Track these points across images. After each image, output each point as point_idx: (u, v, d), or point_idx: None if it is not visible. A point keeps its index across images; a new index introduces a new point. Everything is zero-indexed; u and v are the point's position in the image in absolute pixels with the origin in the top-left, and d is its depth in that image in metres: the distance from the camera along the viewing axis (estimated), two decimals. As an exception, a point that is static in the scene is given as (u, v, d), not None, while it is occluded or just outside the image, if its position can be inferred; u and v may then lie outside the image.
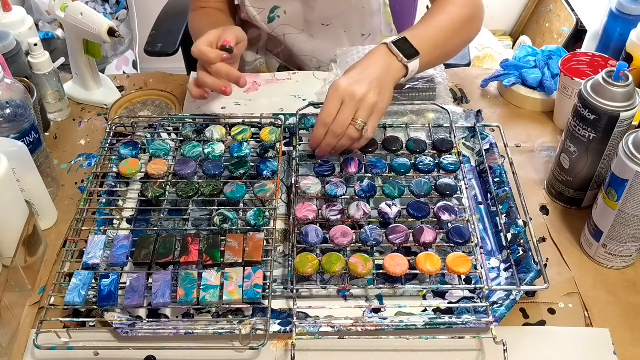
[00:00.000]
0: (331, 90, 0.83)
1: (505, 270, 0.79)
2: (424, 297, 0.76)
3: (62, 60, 1.06)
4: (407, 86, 1.02)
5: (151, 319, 0.73)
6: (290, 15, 1.08)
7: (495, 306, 0.73)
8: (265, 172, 0.85)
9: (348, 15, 1.10)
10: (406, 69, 0.87)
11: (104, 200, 0.85)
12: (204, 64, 0.92)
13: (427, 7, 1.38)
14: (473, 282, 0.76)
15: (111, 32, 0.96)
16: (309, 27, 1.10)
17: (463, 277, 0.76)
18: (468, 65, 1.24)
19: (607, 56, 0.99)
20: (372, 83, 0.83)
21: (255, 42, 1.17)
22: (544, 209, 0.88)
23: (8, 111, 0.80)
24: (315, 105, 0.98)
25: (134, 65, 2.22)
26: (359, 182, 0.84)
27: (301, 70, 1.14)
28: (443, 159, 0.88)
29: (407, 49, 0.87)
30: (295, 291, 0.73)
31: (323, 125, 0.82)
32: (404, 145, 0.90)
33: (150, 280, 0.73)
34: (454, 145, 0.90)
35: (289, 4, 1.08)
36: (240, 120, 0.95)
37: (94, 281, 0.73)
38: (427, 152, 0.89)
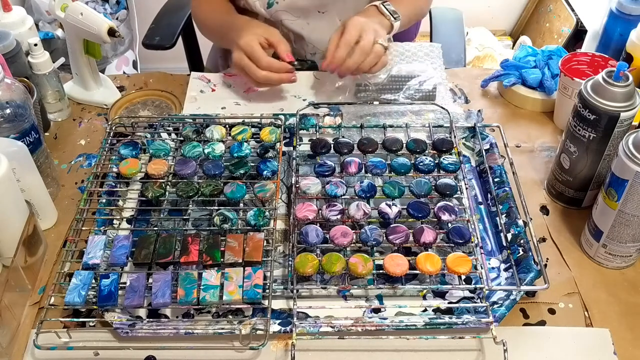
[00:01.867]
0: (350, 23, 0.96)
1: (505, 270, 0.79)
2: (424, 297, 0.76)
3: (62, 60, 1.06)
4: (407, 86, 1.02)
5: (151, 319, 0.73)
6: (288, 1, 1.10)
7: (495, 306, 0.73)
8: (265, 172, 0.85)
9: (343, 2, 1.12)
10: (392, 27, 1.03)
11: (104, 200, 0.85)
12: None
13: (430, 12, 1.38)
14: (473, 282, 0.76)
15: (111, 32, 0.96)
16: (306, 13, 1.12)
17: (463, 277, 0.76)
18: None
19: (607, 56, 0.99)
20: (376, 26, 0.98)
21: None
22: (544, 209, 0.88)
23: (8, 111, 0.80)
24: (315, 105, 0.99)
25: (134, 65, 2.21)
26: (359, 182, 0.84)
27: (296, 57, 1.15)
28: (443, 159, 0.88)
29: (394, 13, 1.04)
30: (295, 291, 0.73)
31: (347, 46, 0.94)
32: (404, 145, 0.90)
33: (150, 280, 0.73)
34: (454, 145, 0.90)
35: None
36: (240, 120, 0.95)
37: (94, 281, 0.73)
38: (427, 152, 0.89)
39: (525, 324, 0.74)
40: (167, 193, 0.84)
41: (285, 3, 1.11)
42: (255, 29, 1.02)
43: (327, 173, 0.86)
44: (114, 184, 0.87)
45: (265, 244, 0.77)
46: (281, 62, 0.98)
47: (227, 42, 1.07)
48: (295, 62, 1.01)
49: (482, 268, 0.75)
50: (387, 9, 1.04)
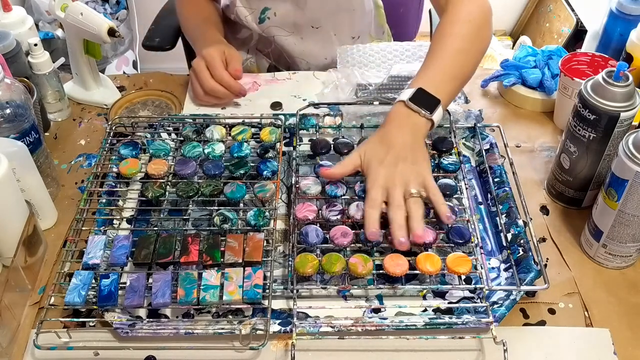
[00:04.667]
0: (370, 181, 0.77)
1: (505, 270, 0.79)
2: (424, 297, 0.76)
3: (62, 60, 1.06)
4: (407, 86, 1.01)
5: (151, 319, 0.73)
6: (280, 16, 1.09)
7: (495, 306, 0.73)
8: (265, 172, 0.85)
9: (338, 17, 1.11)
10: (431, 121, 0.82)
11: (104, 200, 0.85)
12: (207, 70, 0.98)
13: (430, 11, 1.38)
14: (473, 282, 0.76)
15: (111, 32, 0.96)
16: (299, 29, 1.11)
17: (463, 277, 0.76)
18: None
19: (607, 56, 0.99)
20: (403, 158, 0.78)
21: (246, 42, 1.18)
22: (544, 209, 0.88)
23: (8, 111, 0.80)
24: (315, 105, 0.99)
25: (134, 65, 2.22)
26: (359, 182, 0.84)
27: (290, 71, 1.15)
28: (443, 159, 0.88)
29: (426, 101, 0.82)
30: (295, 291, 0.73)
31: (372, 208, 0.75)
32: (404, 145, 0.90)
33: (150, 280, 0.73)
34: (454, 145, 0.90)
35: (279, 6, 1.08)
36: (240, 120, 0.95)
37: (94, 281, 0.73)
38: (427, 152, 0.89)
39: (525, 324, 0.74)
40: (167, 193, 0.84)
41: (278, 19, 1.09)
42: (221, 45, 1.03)
43: (327, 173, 0.86)
44: (114, 184, 0.87)
45: (265, 244, 0.77)
46: (233, 80, 0.99)
47: (196, 49, 1.09)
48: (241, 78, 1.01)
49: (482, 268, 0.75)
50: (417, 101, 0.81)
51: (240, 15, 1.10)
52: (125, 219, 0.84)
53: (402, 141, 0.80)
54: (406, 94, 0.83)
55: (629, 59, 0.99)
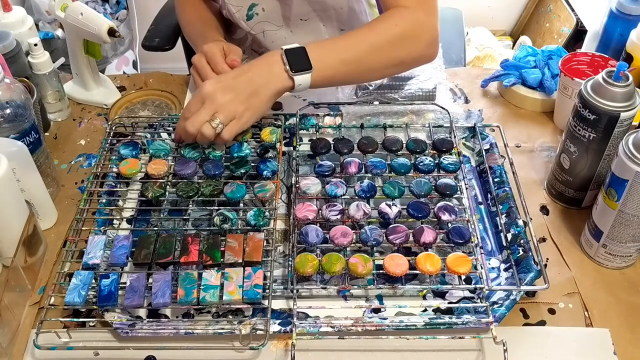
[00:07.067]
0: (198, 90, 0.84)
1: (505, 270, 0.79)
2: (424, 297, 0.76)
3: (62, 60, 1.06)
4: (407, 87, 1.02)
5: (151, 319, 0.73)
6: (268, 12, 1.09)
7: (495, 306, 0.73)
8: (265, 172, 0.85)
9: (325, 12, 1.11)
10: (292, 81, 0.84)
11: (104, 200, 0.85)
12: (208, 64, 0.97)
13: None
14: (473, 282, 0.76)
15: (111, 32, 0.96)
16: (287, 22, 1.11)
17: (463, 277, 0.76)
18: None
19: (607, 56, 0.99)
20: (241, 91, 0.82)
21: (242, 43, 1.18)
22: (544, 209, 0.88)
23: (8, 111, 0.80)
24: (315, 105, 0.99)
25: (134, 65, 2.22)
26: (359, 182, 0.84)
27: None
28: (443, 159, 0.88)
29: (298, 61, 0.83)
30: (295, 291, 0.73)
31: (183, 119, 0.84)
32: (404, 145, 0.90)
33: (150, 280, 0.73)
34: (454, 145, 0.90)
35: (266, 1, 1.09)
36: (240, 120, 0.95)
37: (94, 281, 0.73)
38: (427, 152, 0.89)
39: (525, 324, 0.74)
40: (167, 193, 0.84)
41: (266, 14, 1.09)
42: (220, 42, 1.02)
43: (327, 173, 0.86)
44: (114, 184, 0.87)
45: (265, 244, 0.77)
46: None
47: (197, 50, 1.07)
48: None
49: (482, 268, 0.75)
50: (290, 56, 0.83)
51: (229, 12, 1.11)
52: (125, 219, 0.84)
53: (251, 77, 0.84)
54: (291, 45, 0.85)
55: (629, 59, 0.99)
